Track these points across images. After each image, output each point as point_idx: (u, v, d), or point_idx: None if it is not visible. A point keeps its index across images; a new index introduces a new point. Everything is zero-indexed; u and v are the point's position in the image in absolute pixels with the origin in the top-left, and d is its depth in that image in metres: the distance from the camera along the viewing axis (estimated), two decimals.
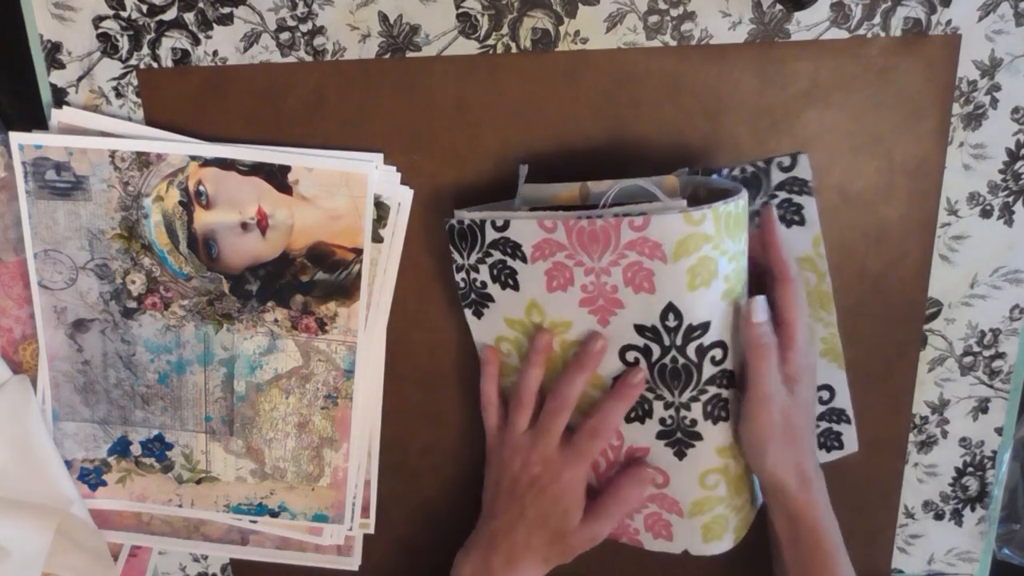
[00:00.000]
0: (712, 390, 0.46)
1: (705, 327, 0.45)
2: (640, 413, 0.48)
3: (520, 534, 0.49)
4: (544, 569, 0.50)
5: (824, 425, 0.54)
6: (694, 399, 0.46)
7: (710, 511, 0.49)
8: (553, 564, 0.50)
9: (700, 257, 0.43)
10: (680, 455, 0.48)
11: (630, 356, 0.47)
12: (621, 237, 0.43)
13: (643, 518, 0.51)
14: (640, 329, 0.46)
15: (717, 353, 0.45)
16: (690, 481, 0.48)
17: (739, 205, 0.44)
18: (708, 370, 0.46)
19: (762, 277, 0.48)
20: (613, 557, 0.58)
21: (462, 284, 0.51)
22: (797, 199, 0.50)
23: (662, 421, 0.48)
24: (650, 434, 0.48)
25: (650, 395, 0.47)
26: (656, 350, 0.46)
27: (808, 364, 0.48)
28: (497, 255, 0.48)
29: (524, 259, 0.47)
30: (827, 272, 0.51)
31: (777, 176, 0.50)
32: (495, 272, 0.49)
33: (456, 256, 0.50)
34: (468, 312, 0.51)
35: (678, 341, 0.45)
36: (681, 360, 0.46)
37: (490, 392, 0.53)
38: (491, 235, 0.47)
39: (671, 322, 0.45)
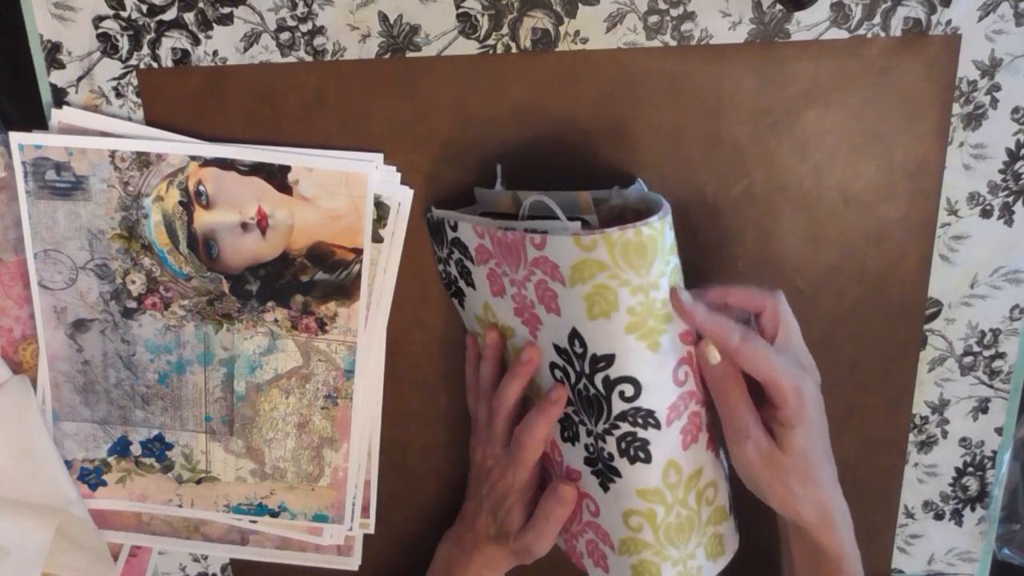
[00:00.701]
0: (624, 427, 0.42)
1: (609, 360, 0.41)
2: (570, 435, 0.47)
3: (481, 521, 0.52)
4: (505, 561, 0.52)
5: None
6: (607, 432, 0.43)
7: (637, 554, 0.45)
8: (512, 562, 0.52)
9: (596, 285, 0.40)
10: (604, 487, 0.45)
11: (556, 374, 0.46)
12: (527, 253, 0.42)
13: (585, 543, 0.49)
14: (557, 349, 0.45)
15: (627, 389, 0.42)
16: (615, 517, 0.45)
17: (641, 232, 0.38)
18: (618, 405, 0.42)
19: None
20: None
21: (443, 275, 0.53)
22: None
23: (586, 447, 0.46)
24: (579, 458, 0.47)
25: (576, 418, 0.46)
26: (572, 373, 0.44)
27: (812, 397, 0.43)
28: (457, 253, 0.49)
29: (472, 260, 0.48)
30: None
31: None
32: (459, 269, 0.50)
33: (435, 248, 0.52)
34: (456, 302, 0.53)
35: (586, 369, 0.43)
36: (592, 389, 0.43)
37: (469, 377, 0.55)
38: (449, 234, 0.49)
39: (577, 348, 0.43)
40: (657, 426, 0.42)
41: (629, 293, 0.40)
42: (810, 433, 0.43)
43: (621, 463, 0.43)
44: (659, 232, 0.39)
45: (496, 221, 0.45)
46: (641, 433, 0.42)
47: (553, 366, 0.46)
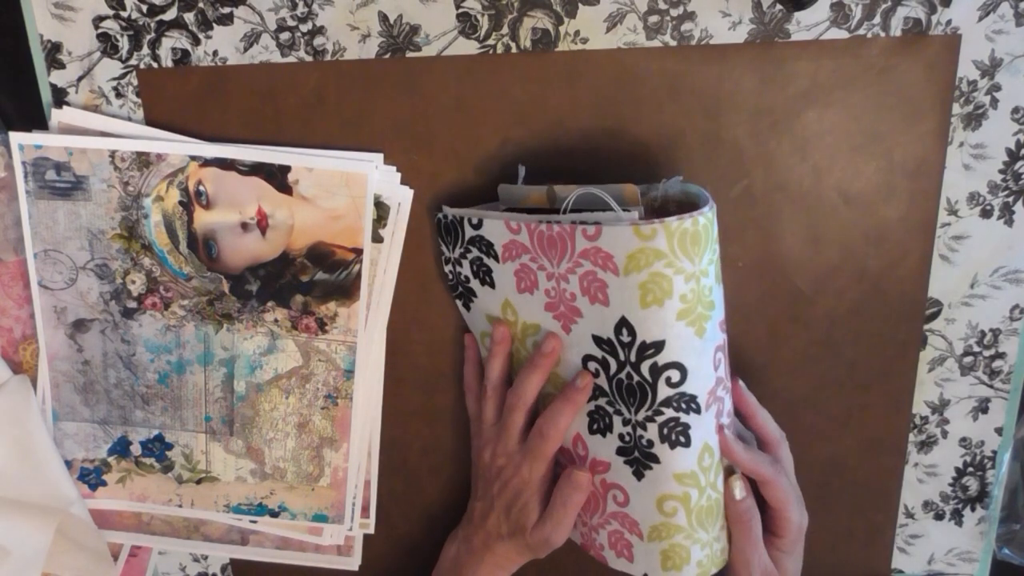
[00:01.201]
0: (668, 412, 0.44)
1: (659, 346, 0.43)
2: (601, 426, 0.47)
3: (492, 520, 0.51)
4: (519, 557, 0.52)
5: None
6: (649, 419, 0.44)
7: (669, 539, 0.46)
8: (526, 557, 0.52)
9: (651, 273, 0.41)
10: (638, 475, 0.46)
11: (591, 366, 0.46)
12: (576, 245, 0.43)
13: (607, 534, 0.49)
14: (598, 340, 0.45)
15: (673, 375, 0.43)
16: (648, 504, 0.46)
17: (697, 222, 0.41)
18: (664, 391, 0.43)
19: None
20: None
21: (450, 276, 0.52)
22: None
23: (621, 437, 0.46)
24: (611, 449, 0.47)
25: (610, 409, 0.46)
26: (613, 364, 0.45)
27: (800, 536, 0.49)
28: (475, 252, 0.49)
29: (496, 258, 0.48)
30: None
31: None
32: (474, 268, 0.50)
33: (444, 248, 0.51)
34: (459, 303, 0.53)
35: (632, 357, 0.44)
36: (636, 377, 0.44)
37: (468, 378, 0.54)
38: (469, 232, 0.49)
39: (625, 337, 0.43)
40: (698, 411, 0.44)
41: (683, 280, 0.42)
42: (799, 560, 0.50)
43: (661, 448, 0.45)
44: (710, 221, 0.42)
45: (533, 216, 0.45)
46: (683, 418, 0.44)
47: (588, 359, 0.46)
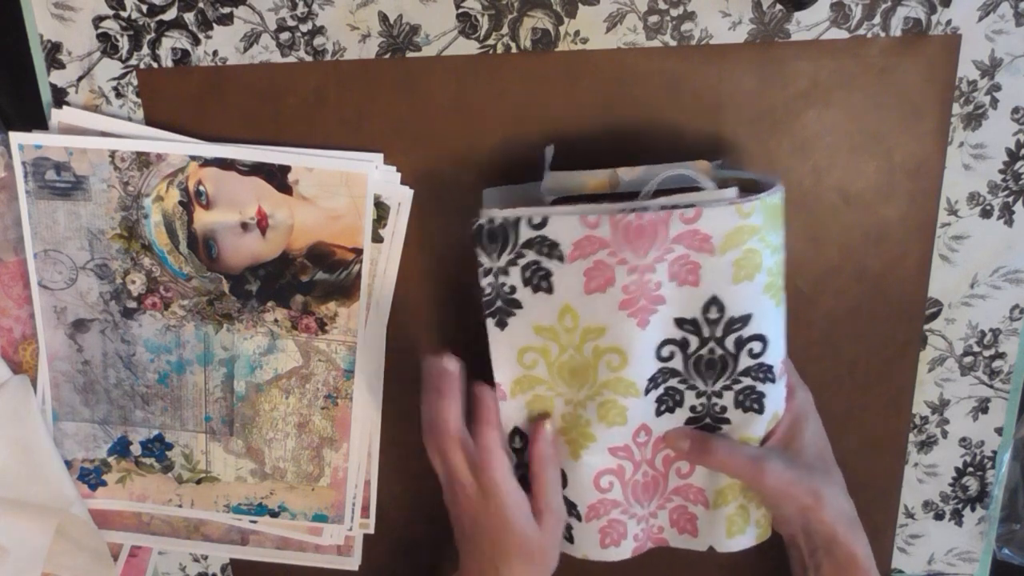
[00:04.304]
0: (746, 381, 0.46)
1: (746, 319, 0.44)
2: (670, 404, 0.47)
3: (485, 565, 0.47)
4: None
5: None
6: (727, 387, 0.46)
7: (734, 500, 0.48)
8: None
9: (746, 250, 0.42)
10: None
11: (666, 351, 0.46)
12: (671, 230, 0.42)
13: (668, 513, 0.50)
14: (680, 322, 0.45)
15: (756, 346, 0.45)
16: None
17: (783, 196, 0.44)
18: (744, 362, 0.45)
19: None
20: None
21: (488, 290, 0.46)
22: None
23: (692, 408, 0.47)
24: (679, 422, 0.48)
25: (681, 386, 0.47)
26: (694, 342, 0.45)
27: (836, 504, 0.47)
28: (531, 255, 0.44)
29: (561, 258, 0.44)
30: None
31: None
32: (527, 275, 0.45)
33: (483, 259, 0.45)
34: (491, 322, 0.47)
35: (718, 333, 0.45)
36: (719, 351, 0.45)
37: (441, 414, 0.47)
38: (526, 234, 0.43)
39: (712, 314, 0.44)
40: (773, 380, 0.46)
41: (771, 254, 0.43)
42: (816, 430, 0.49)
43: (734, 413, 0.47)
44: (783, 197, 0.44)
45: (614, 206, 0.42)
46: (759, 387, 0.46)
47: (664, 344, 0.45)
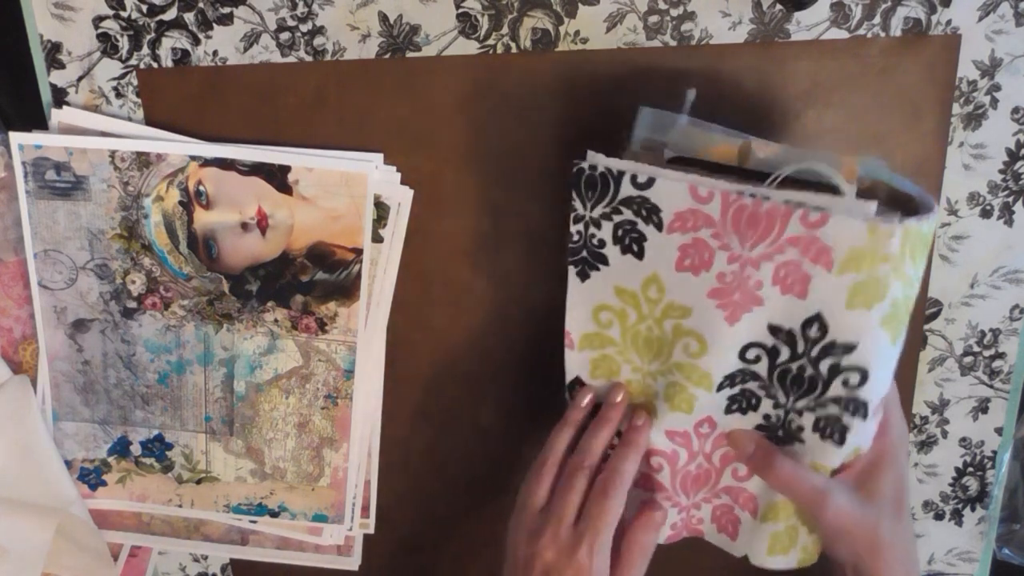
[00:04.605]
0: (832, 409, 0.41)
1: (849, 348, 0.39)
2: (744, 406, 0.44)
3: None
4: None
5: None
6: (809, 408, 0.42)
7: (786, 519, 0.45)
8: None
9: (871, 276, 0.37)
10: None
11: (751, 353, 0.42)
12: (787, 229, 0.37)
13: (711, 508, 0.48)
14: (774, 329, 0.41)
15: (853, 377, 0.40)
16: None
17: (932, 226, 0.38)
18: (836, 390, 0.41)
19: None
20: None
21: (576, 237, 0.43)
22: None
23: (766, 417, 0.44)
24: (748, 424, 0.45)
25: (760, 392, 0.43)
26: (785, 353, 0.41)
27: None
28: (627, 214, 0.41)
29: (659, 226, 0.40)
30: None
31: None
32: (619, 233, 0.42)
33: (577, 204, 0.42)
34: (572, 271, 0.44)
35: (813, 352, 0.40)
36: (809, 370, 0.41)
37: (558, 444, 0.45)
38: (627, 190, 0.40)
39: (813, 333, 0.40)
40: (864, 417, 0.41)
41: (901, 286, 0.38)
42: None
43: (811, 436, 0.43)
44: (934, 225, 0.39)
45: (731, 184, 0.38)
46: (846, 419, 0.41)
47: (749, 347, 0.42)
